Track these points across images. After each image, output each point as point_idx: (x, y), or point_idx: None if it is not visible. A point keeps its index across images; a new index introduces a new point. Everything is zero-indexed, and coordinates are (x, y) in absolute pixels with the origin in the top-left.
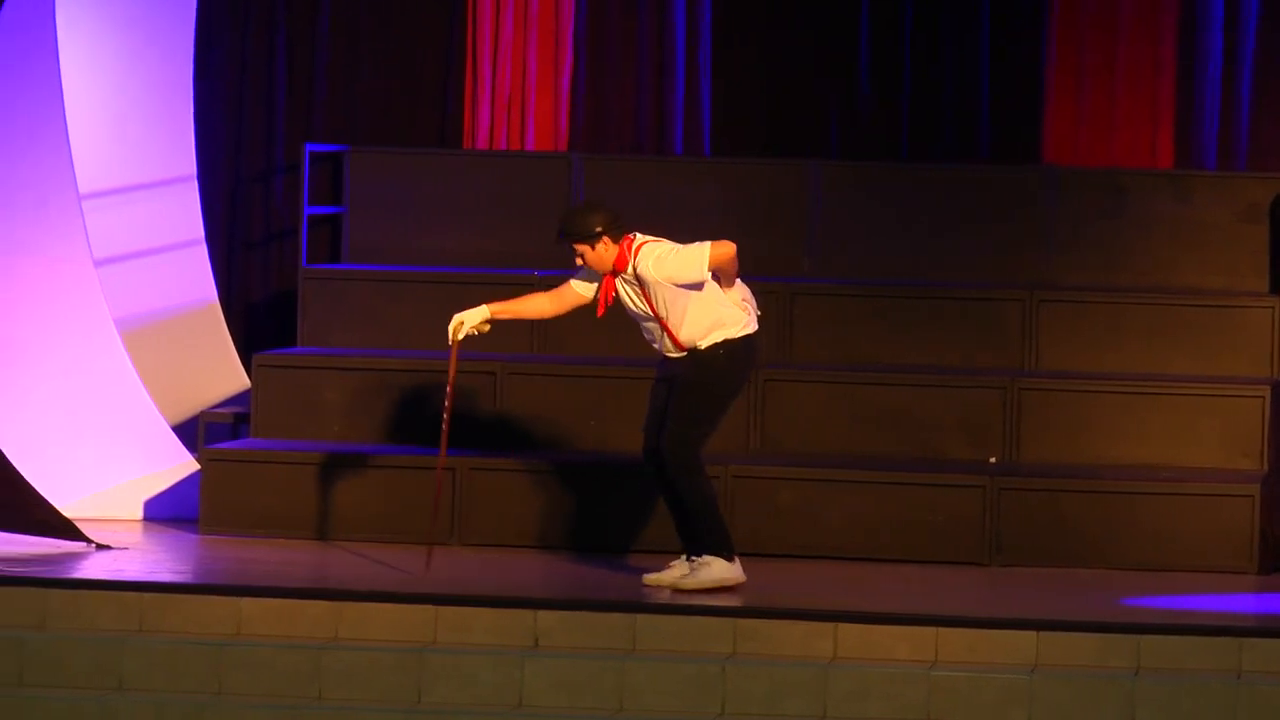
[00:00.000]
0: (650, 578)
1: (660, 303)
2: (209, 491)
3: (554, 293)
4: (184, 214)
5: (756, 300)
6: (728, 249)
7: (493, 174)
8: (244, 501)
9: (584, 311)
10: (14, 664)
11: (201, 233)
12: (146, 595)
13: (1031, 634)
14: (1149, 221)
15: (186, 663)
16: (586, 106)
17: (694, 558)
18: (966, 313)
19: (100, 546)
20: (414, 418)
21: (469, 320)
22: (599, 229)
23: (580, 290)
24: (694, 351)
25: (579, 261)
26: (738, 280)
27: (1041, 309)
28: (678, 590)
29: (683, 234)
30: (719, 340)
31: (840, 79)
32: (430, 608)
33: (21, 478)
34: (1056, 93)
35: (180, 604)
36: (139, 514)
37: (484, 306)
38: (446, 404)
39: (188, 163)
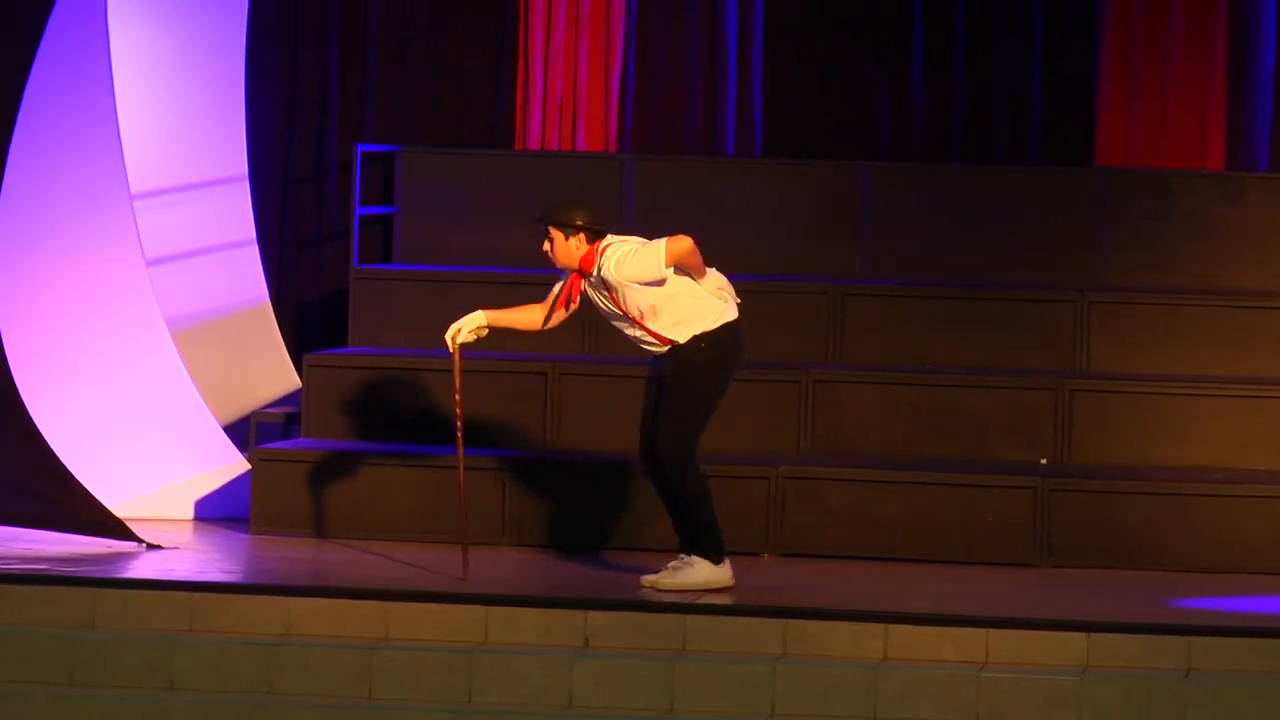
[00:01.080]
0: (647, 579)
1: (629, 303)
2: (260, 491)
3: (543, 303)
4: (235, 214)
5: (740, 297)
6: (683, 244)
7: (544, 175)
8: (294, 501)
9: None
10: (65, 664)
11: (253, 233)
12: (197, 595)
13: (1082, 635)
14: (1200, 223)
15: (237, 662)
16: (636, 107)
17: (682, 557)
18: (1017, 314)
19: (151, 546)
20: (465, 418)
21: (466, 326)
22: (579, 222)
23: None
24: (676, 347)
25: (545, 248)
26: (712, 270)
27: (1093, 310)
28: (656, 589)
29: (735, 235)
30: (698, 333)
31: (893, 79)
32: (480, 608)
33: (73, 477)
34: (1108, 94)
35: (231, 604)
36: (190, 514)
37: (480, 312)
38: (457, 411)
39: (239, 163)
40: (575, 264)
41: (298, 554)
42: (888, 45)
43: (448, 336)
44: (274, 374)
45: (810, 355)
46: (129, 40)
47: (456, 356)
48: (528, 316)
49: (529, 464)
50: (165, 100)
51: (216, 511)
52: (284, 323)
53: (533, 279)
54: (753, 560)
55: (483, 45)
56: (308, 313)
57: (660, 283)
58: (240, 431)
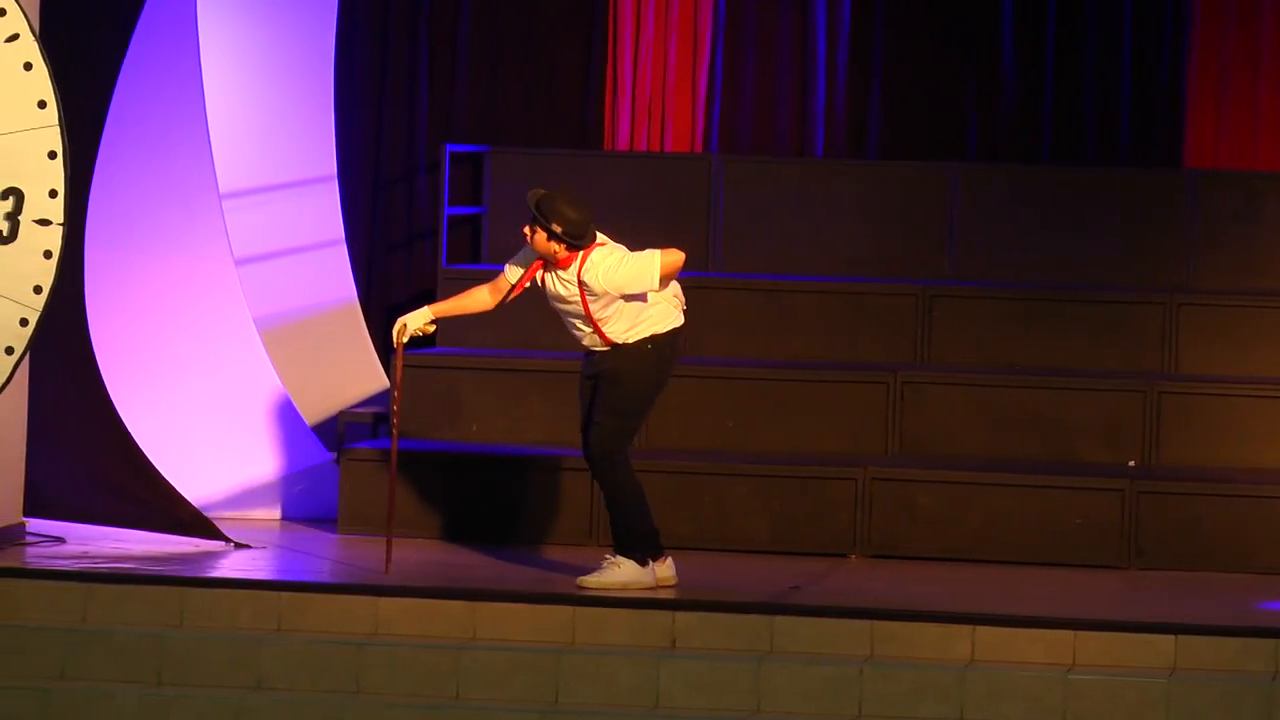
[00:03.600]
0: (580, 578)
1: (597, 305)
2: (347, 491)
3: (493, 284)
4: (324, 214)
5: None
6: (677, 259)
7: (633, 175)
8: (382, 501)
9: (715, 309)
10: (153, 663)
11: (342, 232)
12: (285, 594)
13: (1170, 638)
14: None
15: (324, 662)
16: (724, 107)
17: (608, 556)
18: (1106, 316)
19: (239, 545)
20: (552, 418)
21: (412, 323)
22: (559, 229)
23: (513, 278)
24: (619, 346)
25: (526, 232)
26: None
27: (1181, 312)
28: (581, 586)
29: (823, 236)
30: (646, 335)
31: (982, 80)
32: (568, 608)
33: (161, 477)
34: (1197, 97)
35: (318, 603)
36: (278, 513)
37: (426, 308)
38: (394, 407)
39: (328, 163)
40: (551, 259)
41: (385, 553)
42: (978, 46)
43: (394, 331)
44: (362, 374)
45: (898, 357)
46: (219, 40)
47: (400, 353)
48: (476, 300)
49: None
50: (255, 100)
51: (304, 511)
52: (372, 323)
53: None
54: (840, 561)
55: (572, 45)
56: (396, 312)
57: (645, 296)
58: (328, 431)
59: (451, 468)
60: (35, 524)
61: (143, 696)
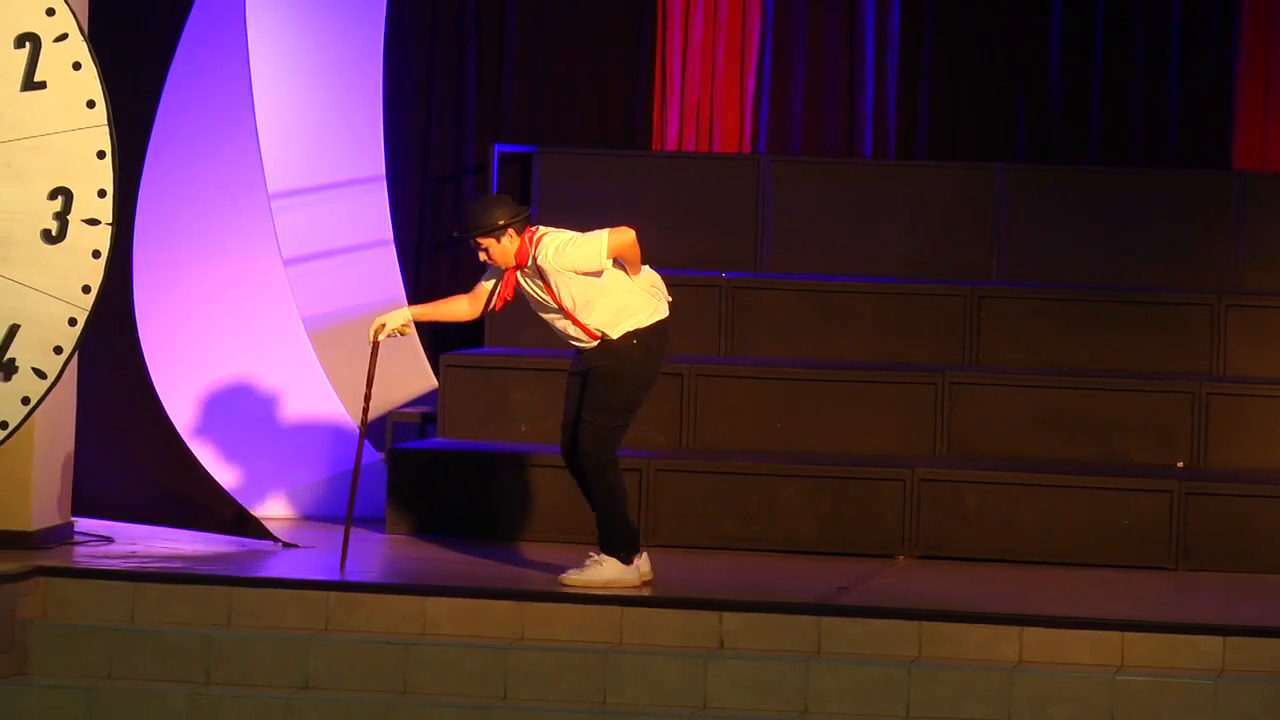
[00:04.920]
0: (563, 575)
1: (564, 294)
2: (395, 491)
3: (471, 294)
4: (372, 214)
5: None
6: (626, 235)
7: (681, 175)
8: (430, 501)
9: (763, 310)
10: (201, 662)
11: (390, 233)
12: (332, 594)
13: (1218, 639)
14: None
15: (372, 662)
16: (772, 108)
17: (591, 554)
18: (1154, 317)
19: (286, 545)
20: None
21: (390, 322)
22: (502, 222)
23: (489, 286)
24: (606, 342)
25: (483, 257)
26: (646, 267)
27: (1230, 314)
28: (564, 584)
29: (871, 237)
30: (630, 329)
31: (1030, 81)
32: (616, 608)
33: (209, 476)
34: (1246, 98)
35: (366, 603)
36: (324, 513)
37: (405, 309)
38: (364, 405)
39: (376, 163)
40: (514, 261)
41: (433, 554)
42: (1025, 47)
43: (370, 330)
44: (410, 374)
45: (946, 358)
46: (267, 40)
47: (375, 351)
48: (455, 309)
49: (665, 464)
50: (303, 100)
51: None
52: (421, 324)
53: (671, 280)
54: (888, 562)
55: (620, 45)
56: None
57: (598, 273)
58: (377, 431)
59: (500, 468)
60: (83, 523)
61: (191, 696)
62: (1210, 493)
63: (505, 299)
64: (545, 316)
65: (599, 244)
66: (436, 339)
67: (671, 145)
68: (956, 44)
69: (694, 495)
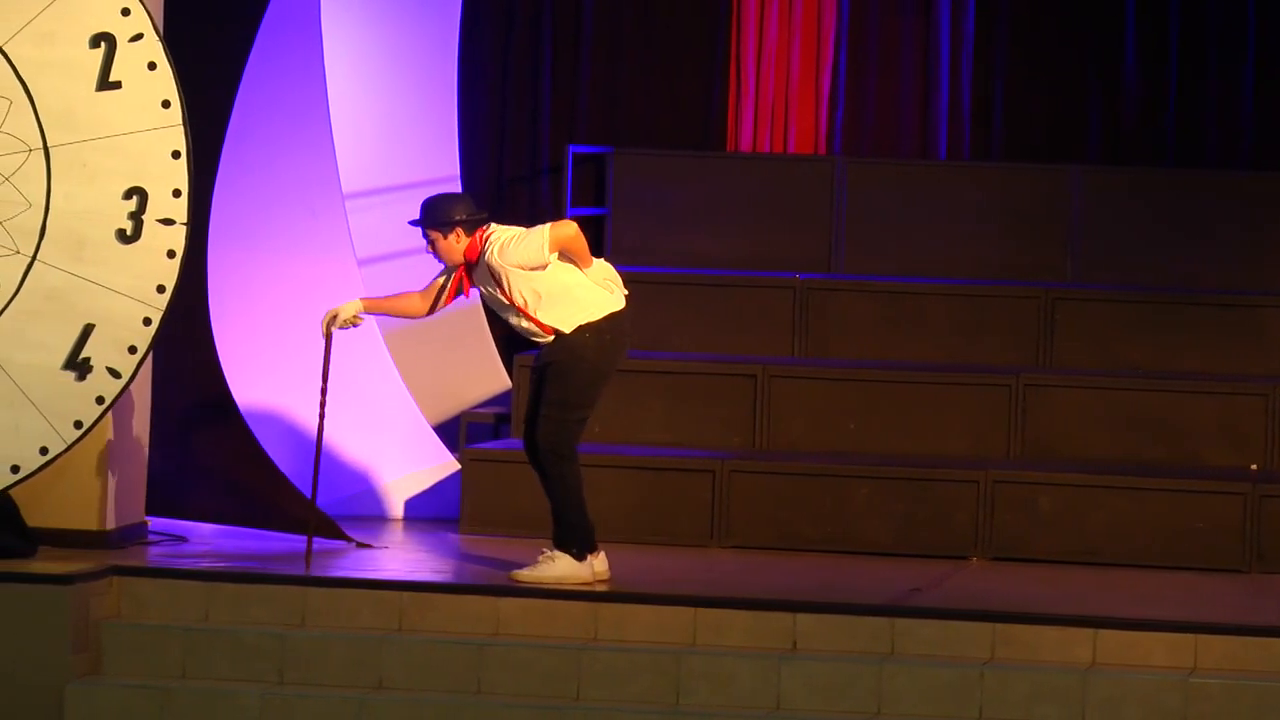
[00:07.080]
0: (514, 572)
1: (515, 291)
2: (469, 491)
3: (425, 291)
4: None
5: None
6: (567, 229)
7: (756, 177)
8: (504, 502)
9: (837, 311)
10: (275, 661)
11: None
12: (406, 594)
13: None
14: None
15: (445, 662)
16: (847, 109)
17: (545, 550)
18: (1228, 319)
19: (360, 545)
20: (674, 418)
21: (343, 313)
22: (457, 218)
23: (441, 284)
24: (560, 337)
25: (429, 249)
26: (600, 260)
27: None
28: (515, 580)
29: (946, 238)
30: (582, 323)
31: (1105, 82)
32: (689, 609)
33: (283, 476)
34: None
35: (440, 603)
36: (400, 513)
37: (357, 300)
38: (321, 398)
39: (451, 164)
40: (460, 259)
41: (506, 554)
42: (1100, 48)
43: (323, 321)
44: (485, 374)
45: (1020, 359)
46: (342, 41)
47: (329, 343)
48: (408, 305)
49: (738, 465)
50: (378, 101)
51: (426, 511)
52: (495, 323)
53: (745, 281)
54: (961, 564)
55: (695, 46)
56: None
57: (543, 267)
58: (450, 431)
59: (581, 468)
60: (158, 523)
61: (264, 696)
62: None
63: (454, 296)
64: (504, 315)
65: (540, 239)
66: (511, 339)
67: (746, 146)
68: (1031, 45)
69: (767, 496)
